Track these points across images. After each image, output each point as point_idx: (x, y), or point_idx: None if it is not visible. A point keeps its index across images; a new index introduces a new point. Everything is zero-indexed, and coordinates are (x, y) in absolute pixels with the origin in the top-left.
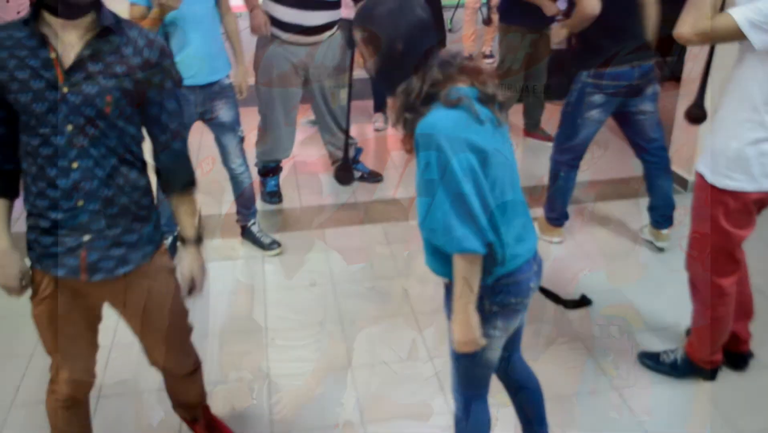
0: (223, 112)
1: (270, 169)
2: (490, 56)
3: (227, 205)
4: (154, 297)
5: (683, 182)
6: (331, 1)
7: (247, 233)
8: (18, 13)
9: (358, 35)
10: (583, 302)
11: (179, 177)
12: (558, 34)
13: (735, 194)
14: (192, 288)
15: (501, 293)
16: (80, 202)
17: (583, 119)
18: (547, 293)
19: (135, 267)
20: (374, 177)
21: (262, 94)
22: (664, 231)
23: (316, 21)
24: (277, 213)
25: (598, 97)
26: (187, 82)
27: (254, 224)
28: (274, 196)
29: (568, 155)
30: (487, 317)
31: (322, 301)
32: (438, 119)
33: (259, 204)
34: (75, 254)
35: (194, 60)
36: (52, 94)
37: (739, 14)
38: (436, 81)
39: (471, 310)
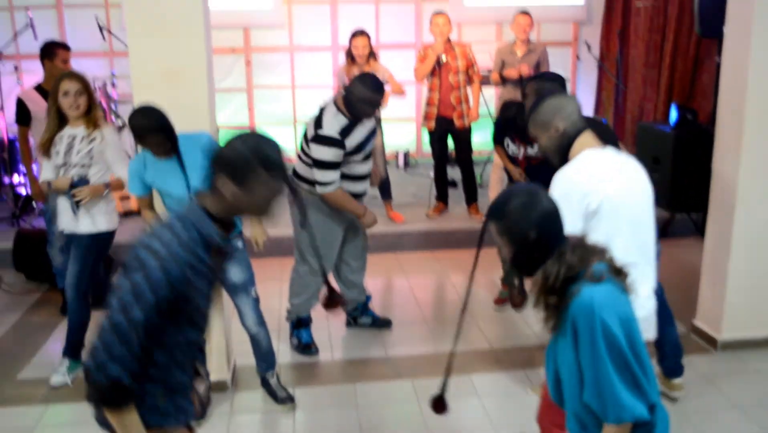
0: (235, 273)
1: (303, 321)
2: None
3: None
4: None
5: (712, 341)
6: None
7: (264, 384)
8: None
9: (493, 228)
10: None
11: None
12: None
13: None
14: None
15: None
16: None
17: None
18: None
19: None
20: (384, 323)
21: (305, 252)
22: (677, 380)
23: (364, 188)
24: (307, 365)
25: None
26: None
27: (272, 375)
28: (310, 348)
29: None
30: None
31: None
32: (594, 297)
33: (290, 354)
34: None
35: None
36: (210, 288)
37: None
38: (572, 264)
39: None
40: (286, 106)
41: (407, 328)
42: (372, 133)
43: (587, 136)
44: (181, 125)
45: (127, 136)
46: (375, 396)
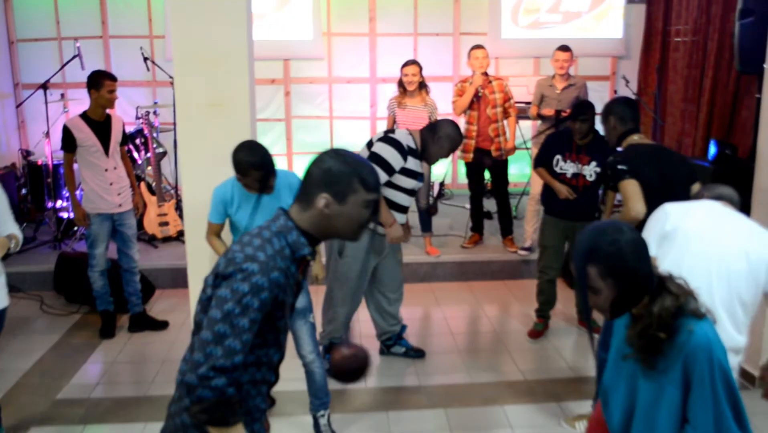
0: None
1: (334, 346)
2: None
3: None
4: None
5: (750, 378)
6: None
7: (314, 424)
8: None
9: (593, 272)
10: None
11: None
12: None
13: None
14: None
15: None
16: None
17: None
18: None
19: None
20: (417, 353)
21: (344, 279)
22: None
23: (401, 221)
24: (340, 392)
25: None
26: None
27: (323, 415)
28: None
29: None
30: None
31: None
32: (709, 335)
33: None
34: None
35: None
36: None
37: None
38: (678, 298)
39: None
40: (324, 136)
41: (441, 357)
42: (421, 176)
43: None
44: (222, 155)
45: (167, 163)
46: (408, 424)
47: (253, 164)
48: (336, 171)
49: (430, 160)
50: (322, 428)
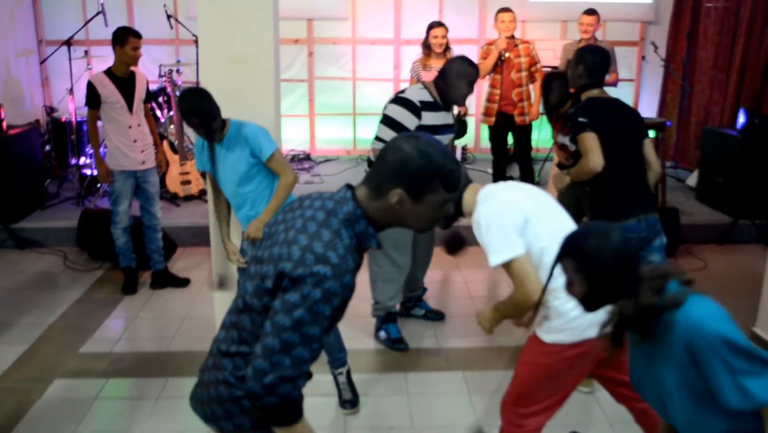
0: None
1: (392, 316)
2: None
3: None
4: None
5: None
6: None
7: (334, 380)
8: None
9: (569, 264)
10: None
11: None
12: (561, 181)
13: None
14: None
15: None
16: None
17: None
18: None
19: None
20: (437, 315)
21: (387, 242)
22: None
23: None
24: (360, 352)
25: None
26: None
27: (341, 373)
28: (401, 342)
29: None
30: None
31: None
32: (693, 316)
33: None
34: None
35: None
36: None
37: None
38: (648, 303)
39: None
40: (347, 97)
41: (460, 321)
42: (448, 129)
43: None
44: (246, 113)
45: None
46: (426, 386)
47: (188, 109)
48: (416, 167)
49: (459, 102)
50: (340, 385)
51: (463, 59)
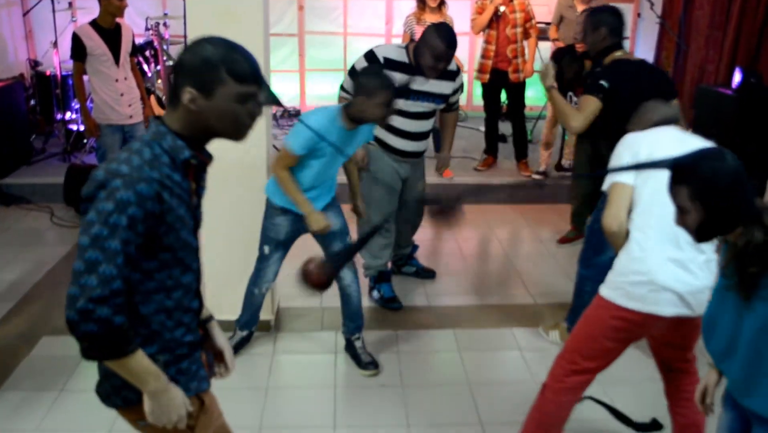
0: (331, 220)
1: (385, 275)
2: (568, 169)
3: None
4: None
5: None
6: (427, 132)
7: (348, 347)
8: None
9: (684, 192)
10: (655, 426)
11: None
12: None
13: None
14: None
15: None
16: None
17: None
18: (618, 414)
19: None
20: (427, 273)
21: (376, 203)
22: None
23: (417, 148)
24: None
25: None
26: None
27: (358, 338)
28: (394, 301)
29: (593, 271)
30: None
31: (390, 402)
32: None
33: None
34: (203, 367)
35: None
36: (193, 222)
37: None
38: (761, 238)
39: None
40: (338, 53)
41: (451, 279)
42: (424, 96)
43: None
44: None
45: None
46: (416, 344)
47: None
48: (198, 59)
49: (426, 74)
50: (358, 350)
51: (440, 29)
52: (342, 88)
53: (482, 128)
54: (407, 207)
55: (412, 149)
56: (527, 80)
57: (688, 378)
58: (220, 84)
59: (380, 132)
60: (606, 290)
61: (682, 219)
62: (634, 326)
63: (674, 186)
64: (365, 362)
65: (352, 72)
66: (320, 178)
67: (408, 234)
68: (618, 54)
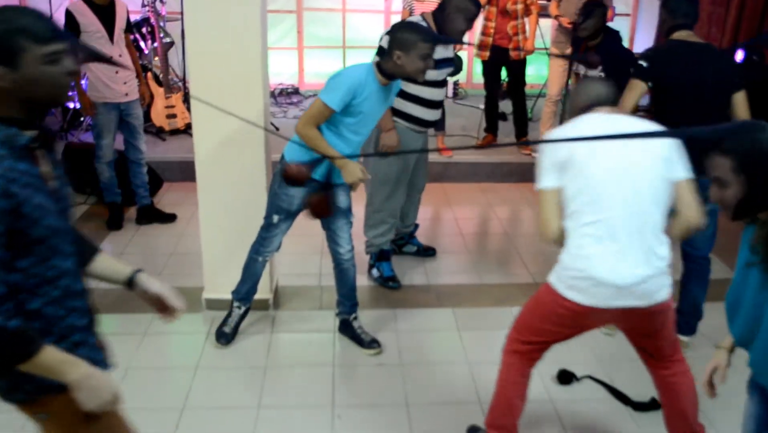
0: (340, 198)
1: (385, 254)
2: None
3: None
4: None
5: None
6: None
7: (346, 328)
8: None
9: (726, 164)
10: (654, 405)
11: None
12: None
13: None
14: None
15: None
16: (89, 298)
17: None
18: (617, 393)
19: None
20: (427, 252)
21: (386, 179)
22: (684, 338)
23: (435, 117)
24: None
25: None
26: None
27: (355, 318)
28: (393, 280)
29: None
30: None
31: (389, 381)
32: None
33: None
34: (101, 348)
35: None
36: (58, 205)
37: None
38: None
39: None
40: (336, 29)
41: (451, 258)
42: (447, 63)
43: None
44: (231, 44)
45: (175, 54)
46: (415, 322)
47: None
48: None
49: (455, 38)
50: (357, 330)
51: None
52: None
53: (482, 106)
54: (415, 184)
55: (432, 118)
56: (528, 58)
57: (672, 368)
58: (23, 52)
59: (403, 104)
60: (553, 278)
61: (719, 194)
62: (578, 316)
63: (715, 158)
64: (368, 341)
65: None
66: (348, 143)
67: (414, 213)
68: (681, 35)
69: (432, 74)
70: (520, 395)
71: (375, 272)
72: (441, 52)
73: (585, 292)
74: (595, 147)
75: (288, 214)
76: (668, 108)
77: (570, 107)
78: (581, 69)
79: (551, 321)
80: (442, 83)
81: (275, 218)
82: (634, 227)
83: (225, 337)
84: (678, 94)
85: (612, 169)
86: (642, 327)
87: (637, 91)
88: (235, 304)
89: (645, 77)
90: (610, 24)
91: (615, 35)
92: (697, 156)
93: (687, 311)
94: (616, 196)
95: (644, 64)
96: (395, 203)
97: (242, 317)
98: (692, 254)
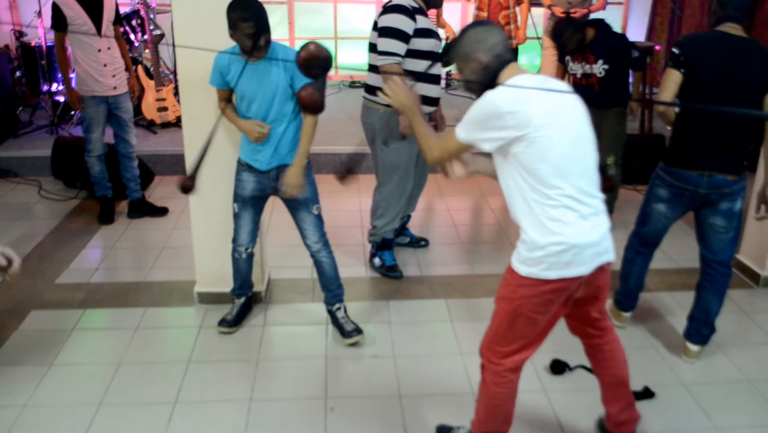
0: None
1: (387, 243)
2: None
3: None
4: None
5: (755, 276)
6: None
7: (332, 318)
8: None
9: None
10: (647, 393)
11: None
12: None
13: None
14: None
15: None
16: None
17: (651, 209)
18: None
19: None
20: (420, 243)
21: (394, 167)
22: (694, 347)
23: (437, 94)
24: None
25: (663, 192)
26: (257, 165)
27: (339, 308)
28: (395, 269)
29: (635, 239)
30: None
31: (382, 373)
32: None
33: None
34: None
35: (265, 146)
36: None
37: (458, 128)
38: None
39: None
40: (328, 21)
41: (444, 249)
42: (436, 35)
43: (513, 68)
44: (222, 36)
45: (165, 47)
46: (408, 314)
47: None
48: None
49: (438, 4)
50: (341, 320)
51: None
52: (385, 53)
53: (475, 96)
54: (423, 172)
55: (438, 95)
56: (519, 47)
57: (606, 335)
58: None
59: (419, 86)
60: (525, 268)
61: None
62: (561, 294)
63: None
64: (348, 331)
65: (389, 31)
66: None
67: (416, 200)
68: (724, 27)
69: (437, 45)
70: (514, 402)
71: (377, 261)
72: (423, 22)
73: (570, 264)
74: (553, 114)
75: (245, 202)
76: (693, 99)
77: (477, 77)
78: (578, 70)
79: (539, 312)
80: (433, 55)
81: (235, 207)
82: (591, 185)
83: (226, 322)
84: (705, 84)
85: (568, 131)
86: (603, 285)
87: (672, 79)
88: (235, 299)
89: (677, 65)
90: (599, 15)
91: (605, 26)
92: (741, 156)
93: (700, 318)
94: (573, 157)
95: (676, 50)
96: (403, 191)
97: (244, 306)
98: (708, 259)
